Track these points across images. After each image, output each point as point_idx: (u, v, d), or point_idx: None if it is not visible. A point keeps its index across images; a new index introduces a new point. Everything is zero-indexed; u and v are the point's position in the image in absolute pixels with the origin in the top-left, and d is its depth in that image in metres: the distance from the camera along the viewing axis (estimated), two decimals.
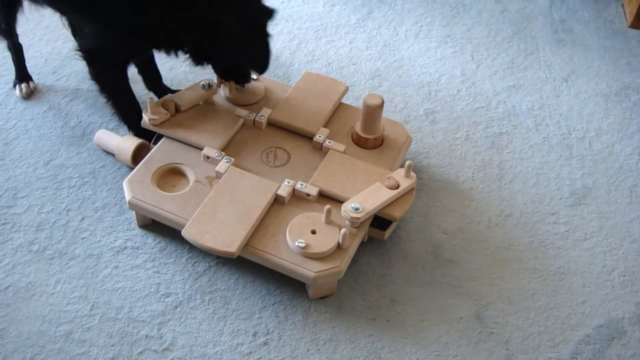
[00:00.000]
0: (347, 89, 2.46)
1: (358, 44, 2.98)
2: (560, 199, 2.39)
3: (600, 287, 2.14)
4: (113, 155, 2.35)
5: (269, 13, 2.20)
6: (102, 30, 2.18)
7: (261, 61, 2.27)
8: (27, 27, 2.87)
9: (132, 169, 2.22)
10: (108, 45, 2.20)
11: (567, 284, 2.13)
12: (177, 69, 2.74)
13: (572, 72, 2.92)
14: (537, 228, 2.28)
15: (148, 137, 2.31)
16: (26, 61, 2.63)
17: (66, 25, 2.54)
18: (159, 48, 2.22)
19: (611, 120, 2.71)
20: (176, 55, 2.20)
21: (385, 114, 2.53)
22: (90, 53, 2.23)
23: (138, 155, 2.26)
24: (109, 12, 2.09)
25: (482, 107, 2.72)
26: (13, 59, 2.60)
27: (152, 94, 2.58)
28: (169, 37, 2.14)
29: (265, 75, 2.48)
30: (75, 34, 2.57)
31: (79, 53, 2.22)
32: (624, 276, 2.17)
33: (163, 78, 2.62)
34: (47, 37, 2.87)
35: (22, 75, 2.62)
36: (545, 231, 2.28)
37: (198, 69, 2.65)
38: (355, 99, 2.68)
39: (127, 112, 2.35)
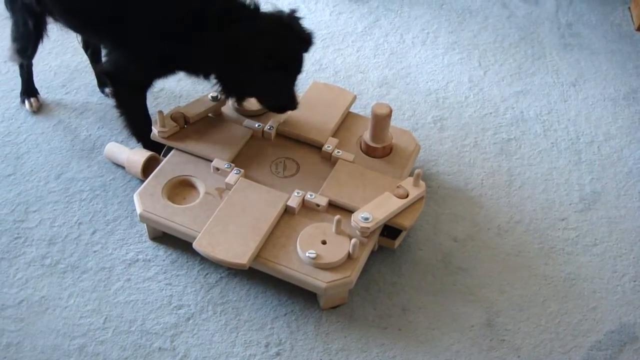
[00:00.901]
0: (354, 98, 2.47)
1: (365, 52, 2.99)
2: (570, 204, 2.39)
3: (611, 292, 2.14)
4: (123, 168, 2.37)
5: (306, 41, 2.16)
6: (132, 56, 2.20)
7: (280, 99, 2.22)
8: None
9: (142, 181, 2.24)
10: (135, 69, 2.21)
11: (578, 290, 2.14)
12: (184, 80, 2.76)
13: (580, 77, 2.93)
14: (546, 234, 2.29)
15: (158, 150, 2.32)
16: (35, 75, 2.65)
17: (78, 40, 2.55)
18: (186, 72, 2.24)
19: (619, 125, 2.71)
20: (206, 79, 2.20)
21: (394, 122, 2.53)
22: (116, 75, 2.24)
23: (148, 167, 2.28)
24: (142, 41, 2.11)
25: (490, 113, 2.72)
26: (22, 74, 2.60)
27: (161, 107, 2.60)
28: (197, 63, 2.16)
29: None
30: (87, 48, 2.59)
31: (104, 73, 2.26)
32: (634, 281, 2.17)
33: (170, 90, 2.64)
34: (55, 50, 2.88)
35: (30, 90, 2.62)
36: (555, 237, 2.28)
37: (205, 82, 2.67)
38: (363, 108, 2.69)
39: (139, 127, 2.36)
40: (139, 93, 2.32)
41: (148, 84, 2.31)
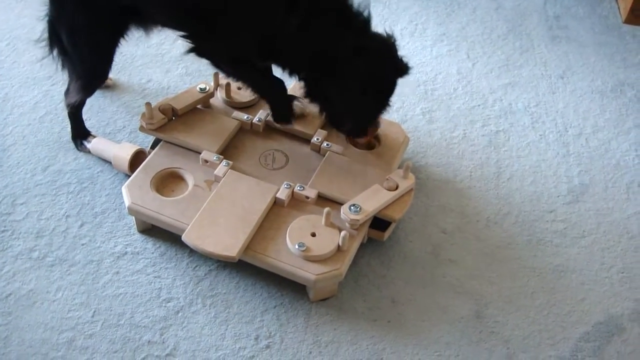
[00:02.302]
0: None
1: None
2: (558, 196, 2.39)
3: (599, 284, 2.15)
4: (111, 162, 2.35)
5: (402, 71, 2.10)
6: (229, 48, 2.10)
7: (365, 120, 2.17)
8: (22, 31, 2.87)
9: (130, 176, 2.22)
10: (227, 55, 2.13)
11: (566, 281, 2.14)
12: (173, 71, 2.74)
13: (568, 69, 2.93)
14: (535, 226, 2.29)
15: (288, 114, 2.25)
16: (21, 66, 2.62)
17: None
18: (278, 64, 2.15)
19: (607, 117, 2.72)
20: (290, 76, 2.13)
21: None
22: (209, 54, 2.14)
23: (135, 162, 2.25)
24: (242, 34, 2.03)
25: (479, 105, 2.72)
26: (72, 115, 2.41)
27: (149, 99, 2.58)
28: (295, 61, 2.08)
29: None
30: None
31: (195, 52, 2.12)
32: (622, 273, 2.18)
33: (158, 82, 2.62)
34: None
35: (83, 132, 2.43)
36: (543, 229, 2.29)
37: (195, 71, 2.67)
38: None
39: (263, 90, 2.24)
40: (243, 62, 2.15)
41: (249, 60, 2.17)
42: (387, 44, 2.05)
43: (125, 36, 2.18)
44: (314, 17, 1.94)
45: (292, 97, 2.27)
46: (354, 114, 2.13)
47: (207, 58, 2.14)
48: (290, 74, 2.11)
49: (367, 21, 2.02)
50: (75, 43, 2.14)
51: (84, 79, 2.25)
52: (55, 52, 2.19)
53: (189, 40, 2.10)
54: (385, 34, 2.06)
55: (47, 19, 2.14)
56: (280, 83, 2.20)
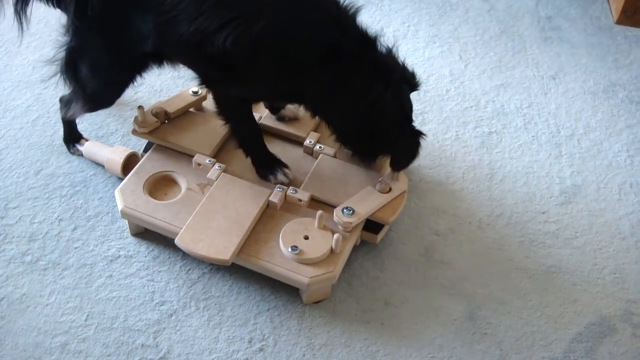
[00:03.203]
0: None
1: None
2: (550, 197, 2.40)
3: (591, 285, 2.15)
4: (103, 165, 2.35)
5: (415, 88, 2.14)
6: (249, 89, 2.10)
7: (412, 155, 2.16)
8: (13, 34, 2.86)
9: (122, 180, 2.21)
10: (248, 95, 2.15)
11: (559, 282, 2.15)
12: (165, 74, 2.74)
13: (560, 70, 2.94)
14: (527, 227, 2.30)
15: (270, 168, 2.19)
16: (13, 69, 2.61)
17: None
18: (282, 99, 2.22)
19: (599, 118, 2.73)
20: (311, 113, 2.15)
21: None
22: (221, 96, 2.14)
23: (128, 166, 2.25)
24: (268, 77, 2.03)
25: (471, 106, 2.73)
26: (65, 120, 2.41)
27: (141, 102, 2.58)
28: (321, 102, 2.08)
29: None
30: None
31: (205, 86, 2.14)
32: (614, 274, 2.18)
33: (150, 84, 2.62)
34: (34, 44, 2.86)
35: (76, 135, 2.44)
36: (535, 230, 2.29)
37: (187, 74, 2.65)
38: None
39: (247, 136, 2.21)
40: (245, 103, 2.18)
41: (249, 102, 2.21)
42: (408, 78, 2.10)
43: (143, 75, 2.19)
44: (348, 72, 1.96)
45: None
46: (400, 152, 2.14)
47: (215, 93, 2.16)
48: (313, 112, 2.13)
49: (396, 64, 2.05)
50: (94, 77, 2.16)
51: (91, 104, 2.26)
52: (66, 77, 2.19)
53: (209, 83, 2.12)
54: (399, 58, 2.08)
55: (66, 47, 2.12)
56: (259, 133, 2.22)
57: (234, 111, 2.16)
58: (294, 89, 2.04)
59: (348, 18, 1.98)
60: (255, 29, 1.88)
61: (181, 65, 2.19)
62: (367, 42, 1.99)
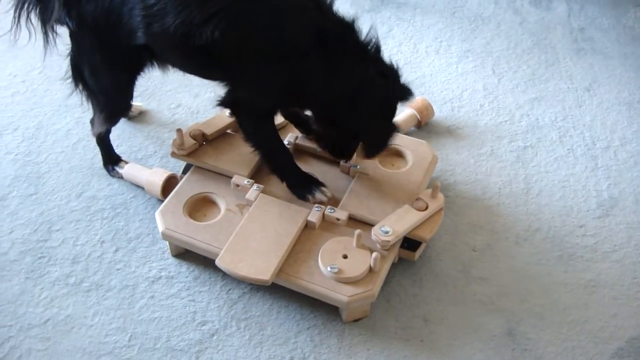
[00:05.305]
0: None
1: None
2: (588, 210, 2.40)
3: (631, 299, 2.14)
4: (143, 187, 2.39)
5: (407, 94, 2.17)
6: (254, 86, 2.12)
7: (382, 142, 2.21)
8: (53, 58, 2.92)
9: (162, 201, 2.25)
10: (258, 97, 2.15)
11: (598, 297, 2.14)
12: (201, 95, 2.79)
13: (594, 81, 2.93)
14: (565, 241, 2.29)
15: (307, 188, 2.22)
16: (54, 93, 2.66)
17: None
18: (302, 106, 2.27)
19: (635, 129, 2.71)
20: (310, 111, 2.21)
21: (409, 132, 2.56)
22: (238, 106, 2.16)
23: (167, 187, 2.29)
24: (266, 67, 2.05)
25: (506, 121, 2.73)
26: (100, 143, 2.47)
27: (179, 124, 2.63)
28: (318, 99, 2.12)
29: None
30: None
31: (222, 105, 2.15)
32: None
33: (187, 106, 2.66)
34: None
35: (114, 158, 2.49)
36: (573, 244, 2.29)
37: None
38: None
39: (278, 160, 2.23)
40: (265, 120, 2.19)
41: (273, 111, 2.21)
42: (395, 71, 2.12)
43: (141, 73, 2.24)
44: (337, 55, 2.01)
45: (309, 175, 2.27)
46: (370, 136, 2.18)
47: (232, 110, 2.19)
48: (312, 110, 2.19)
49: (378, 49, 2.08)
50: (96, 79, 2.22)
51: (107, 111, 2.31)
52: (80, 87, 2.26)
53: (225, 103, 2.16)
54: (390, 61, 2.12)
55: (69, 57, 2.21)
56: (289, 154, 2.25)
57: (257, 131, 2.19)
58: (285, 77, 2.04)
59: (327, 4, 2.04)
60: (242, 19, 1.94)
61: (172, 67, 2.24)
62: (348, 26, 2.03)
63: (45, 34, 2.11)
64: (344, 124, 2.14)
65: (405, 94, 2.15)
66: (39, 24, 2.10)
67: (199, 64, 2.13)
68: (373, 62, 2.06)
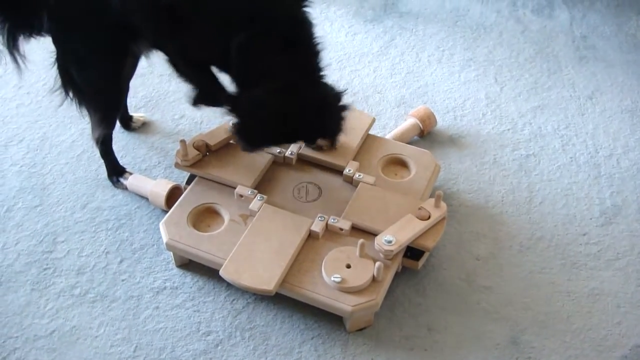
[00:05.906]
0: (374, 120, 2.49)
1: (382, 72, 3.02)
2: (591, 219, 2.40)
3: (635, 306, 2.14)
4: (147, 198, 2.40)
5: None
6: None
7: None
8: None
9: (166, 212, 2.26)
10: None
11: (602, 305, 2.15)
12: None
13: (596, 90, 2.94)
14: (568, 250, 2.30)
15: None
16: (55, 109, 2.67)
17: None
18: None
19: (638, 136, 2.72)
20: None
21: (412, 141, 2.57)
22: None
23: (171, 198, 2.31)
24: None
25: (508, 129, 2.74)
26: (104, 153, 2.48)
27: (182, 134, 2.64)
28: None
29: None
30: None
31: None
32: None
33: (191, 117, 2.68)
34: None
35: (118, 169, 2.51)
36: (577, 252, 2.29)
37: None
38: (382, 128, 2.71)
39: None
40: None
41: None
42: (317, 83, 2.16)
43: (127, 57, 2.25)
44: (258, 39, 1.99)
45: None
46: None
47: (170, 59, 2.19)
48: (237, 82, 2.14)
49: (314, 54, 2.13)
50: (86, 75, 2.23)
51: (100, 111, 2.32)
52: (70, 94, 2.28)
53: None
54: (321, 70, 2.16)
55: (56, 64, 2.23)
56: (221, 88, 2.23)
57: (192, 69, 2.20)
58: (218, 49, 2.04)
59: None
60: None
61: (150, 46, 2.24)
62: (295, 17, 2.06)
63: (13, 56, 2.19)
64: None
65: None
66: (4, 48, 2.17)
67: (154, 21, 2.10)
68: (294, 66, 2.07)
